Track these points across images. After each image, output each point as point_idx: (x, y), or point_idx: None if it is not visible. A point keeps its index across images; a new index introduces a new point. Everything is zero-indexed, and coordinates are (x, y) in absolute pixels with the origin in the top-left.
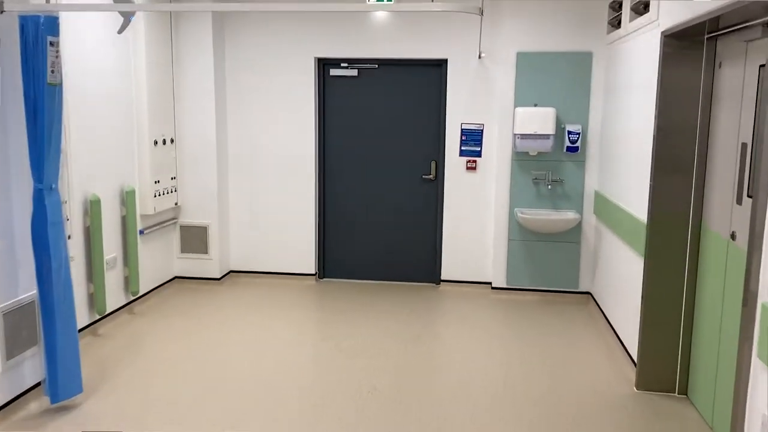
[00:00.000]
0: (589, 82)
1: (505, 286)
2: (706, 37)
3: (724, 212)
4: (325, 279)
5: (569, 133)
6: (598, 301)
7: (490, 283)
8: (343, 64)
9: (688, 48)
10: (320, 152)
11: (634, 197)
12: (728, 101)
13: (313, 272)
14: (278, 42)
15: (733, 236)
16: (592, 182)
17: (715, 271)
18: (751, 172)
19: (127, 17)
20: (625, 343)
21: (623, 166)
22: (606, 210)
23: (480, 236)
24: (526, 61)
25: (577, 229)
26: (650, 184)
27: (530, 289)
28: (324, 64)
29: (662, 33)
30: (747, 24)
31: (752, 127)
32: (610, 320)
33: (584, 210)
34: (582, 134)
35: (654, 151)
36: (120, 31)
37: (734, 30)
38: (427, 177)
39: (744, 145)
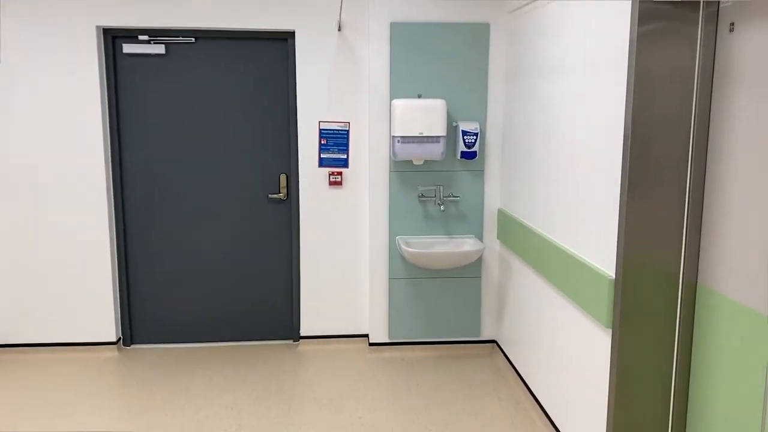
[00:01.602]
0: (486, 65)
1: (386, 340)
2: None
3: (756, 271)
4: (133, 346)
5: (464, 133)
6: (506, 352)
7: (366, 337)
8: (142, 37)
9: (679, 5)
10: (116, 168)
11: (570, 225)
12: (753, 84)
13: (115, 339)
14: (40, 5)
15: None
16: (494, 198)
17: (742, 363)
18: None
19: None
20: (555, 422)
21: (544, 178)
22: (515, 234)
23: (351, 275)
24: (404, 36)
25: (478, 259)
26: (620, 219)
27: (420, 342)
28: (114, 38)
29: None
30: None
31: None
32: (526, 381)
33: (485, 234)
34: (480, 134)
35: (627, 167)
36: None
37: None
38: (274, 196)
39: None
